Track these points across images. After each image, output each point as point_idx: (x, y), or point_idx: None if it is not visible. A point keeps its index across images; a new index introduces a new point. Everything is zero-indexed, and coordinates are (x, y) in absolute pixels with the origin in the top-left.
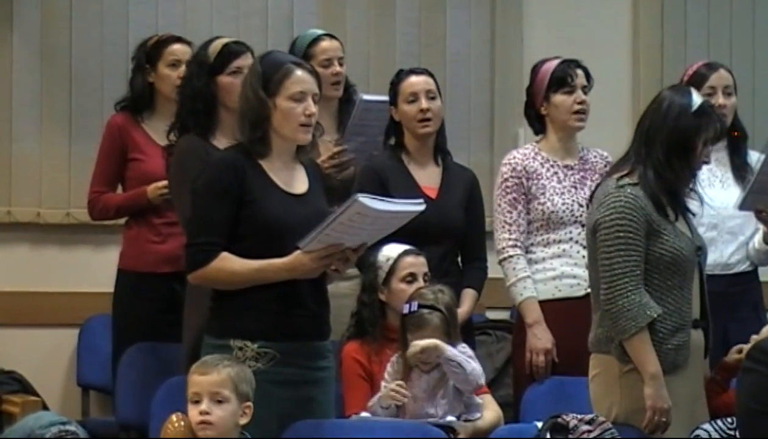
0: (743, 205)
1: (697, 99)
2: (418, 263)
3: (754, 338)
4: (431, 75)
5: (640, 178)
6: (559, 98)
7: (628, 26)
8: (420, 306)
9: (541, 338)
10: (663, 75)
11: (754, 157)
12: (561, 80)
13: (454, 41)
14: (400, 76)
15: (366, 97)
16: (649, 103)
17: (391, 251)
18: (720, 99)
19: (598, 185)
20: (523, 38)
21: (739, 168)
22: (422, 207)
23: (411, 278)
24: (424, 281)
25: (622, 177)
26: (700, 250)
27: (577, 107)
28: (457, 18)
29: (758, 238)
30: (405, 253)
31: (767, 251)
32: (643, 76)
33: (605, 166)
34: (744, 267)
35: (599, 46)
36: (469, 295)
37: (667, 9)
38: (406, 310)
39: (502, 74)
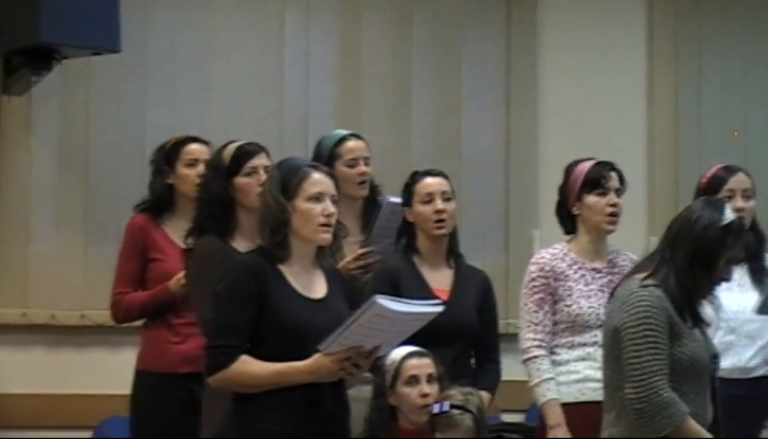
0: (762, 310)
1: (729, 215)
2: (421, 365)
3: None
4: (446, 177)
5: (661, 281)
6: (592, 200)
7: (643, 128)
8: (451, 406)
9: None
10: (678, 176)
11: None
12: (595, 182)
13: (469, 143)
14: (416, 177)
15: (392, 199)
16: (683, 210)
17: (396, 354)
18: (739, 202)
19: (617, 285)
20: (538, 140)
21: (757, 272)
22: (440, 308)
23: (414, 380)
24: (428, 382)
25: (645, 278)
26: (715, 358)
27: (609, 210)
28: (473, 120)
29: None
30: (408, 355)
31: None
32: (658, 177)
33: None
34: (763, 371)
35: (614, 147)
36: (483, 397)
37: (681, 109)
38: (436, 409)
39: (517, 176)
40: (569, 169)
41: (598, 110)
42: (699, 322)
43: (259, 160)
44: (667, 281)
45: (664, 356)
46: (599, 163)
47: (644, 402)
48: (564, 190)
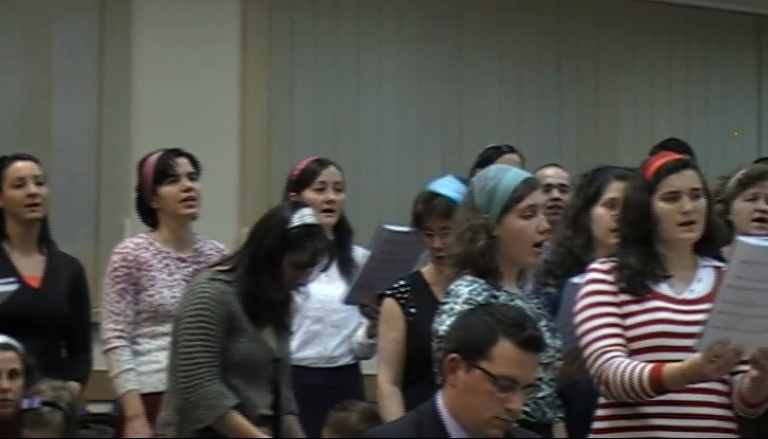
0: (348, 299)
1: (298, 219)
2: (2, 359)
3: None
4: (37, 161)
5: (236, 277)
6: (165, 190)
7: (236, 119)
8: (42, 403)
9: (140, 432)
10: (270, 168)
11: (359, 252)
12: (163, 172)
13: (59, 129)
14: (4, 162)
15: None
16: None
17: None
18: (330, 195)
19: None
20: (131, 129)
21: (344, 262)
22: (14, 286)
23: None
24: (10, 378)
25: (219, 271)
26: (278, 362)
27: (183, 195)
28: (64, 106)
29: (361, 332)
30: None
31: (370, 345)
32: (250, 169)
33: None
34: (347, 360)
35: (207, 138)
36: (74, 389)
37: (274, 102)
38: (25, 405)
39: (109, 164)
40: (141, 165)
41: (191, 101)
42: (264, 323)
43: None
44: (239, 278)
45: (215, 348)
46: (165, 152)
47: (190, 392)
48: (140, 186)
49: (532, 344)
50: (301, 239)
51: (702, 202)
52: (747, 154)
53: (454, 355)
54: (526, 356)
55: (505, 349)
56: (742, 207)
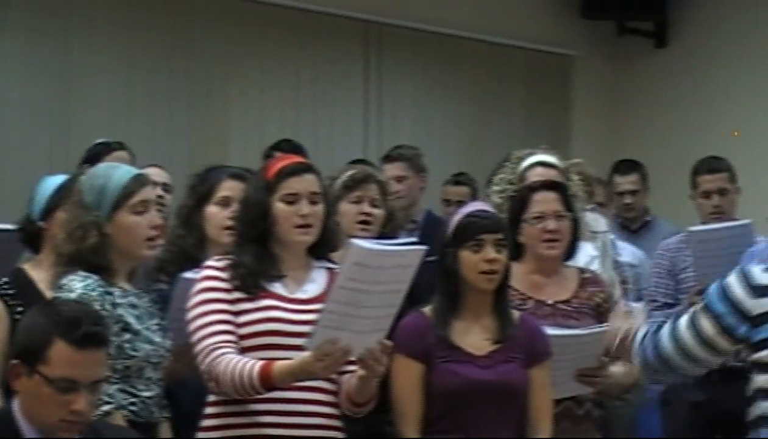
0: None
1: None
2: None
3: None
4: None
5: None
6: None
7: None
8: None
9: None
10: None
11: None
12: None
13: None
14: None
15: None
16: None
17: None
18: None
19: None
20: None
21: None
22: None
23: None
24: None
25: None
26: None
27: None
28: None
29: None
30: None
31: None
32: None
33: None
34: None
35: None
36: None
37: None
38: None
39: None
40: None
41: None
42: None
43: None
44: None
45: None
46: None
47: None
48: None
49: (89, 341)
50: None
51: (320, 207)
52: (353, 154)
53: (15, 361)
54: (83, 355)
55: (60, 349)
56: (347, 209)
